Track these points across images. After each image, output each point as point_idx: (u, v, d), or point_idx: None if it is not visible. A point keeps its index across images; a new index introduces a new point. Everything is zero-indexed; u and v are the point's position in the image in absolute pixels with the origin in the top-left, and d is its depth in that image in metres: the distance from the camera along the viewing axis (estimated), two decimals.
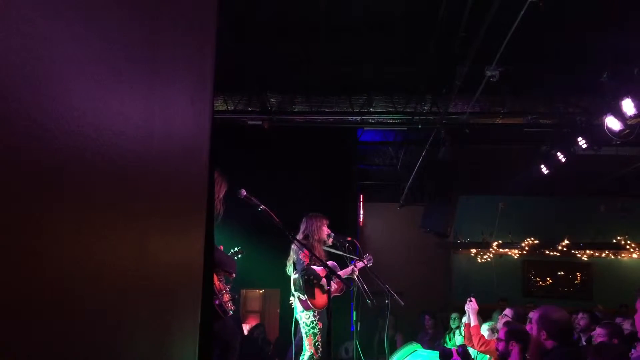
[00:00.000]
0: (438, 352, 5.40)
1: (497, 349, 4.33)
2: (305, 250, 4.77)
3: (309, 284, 4.85)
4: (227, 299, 3.84)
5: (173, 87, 1.51)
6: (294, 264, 5.01)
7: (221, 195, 3.93)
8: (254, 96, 7.51)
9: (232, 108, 7.53)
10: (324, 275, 4.81)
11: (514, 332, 4.11)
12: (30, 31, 0.86)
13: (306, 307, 4.87)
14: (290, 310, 5.14)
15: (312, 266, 4.90)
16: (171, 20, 1.49)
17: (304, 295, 4.83)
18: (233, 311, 3.93)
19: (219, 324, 3.81)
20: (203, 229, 1.86)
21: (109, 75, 1.12)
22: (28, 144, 0.85)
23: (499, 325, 5.33)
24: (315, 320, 4.89)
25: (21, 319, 0.86)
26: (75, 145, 0.98)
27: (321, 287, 4.89)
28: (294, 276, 4.95)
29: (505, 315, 5.37)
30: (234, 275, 4.07)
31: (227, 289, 3.93)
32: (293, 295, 5.01)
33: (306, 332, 4.91)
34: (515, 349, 4.05)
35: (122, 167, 1.19)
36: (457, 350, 4.83)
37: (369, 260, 5.26)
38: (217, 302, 3.72)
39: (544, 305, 3.98)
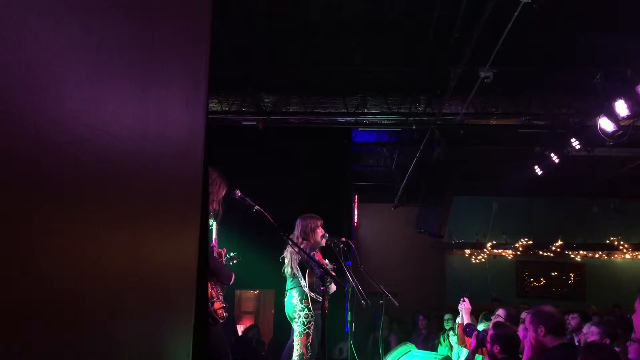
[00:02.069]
0: (432, 352, 5.40)
1: (486, 349, 4.35)
2: (318, 253, 4.76)
3: (324, 283, 4.82)
4: (218, 307, 3.82)
5: (167, 87, 1.50)
6: (300, 265, 4.96)
7: (221, 196, 3.92)
8: (248, 97, 7.50)
9: (227, 108, 7.52)
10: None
11: (498, 336, 4.11)
12: (25, 32, 0.85)
13: (317, 308, 4.84)
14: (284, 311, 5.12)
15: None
16: (165, 20, 1.49)
17: (320, 295, 4.80)
18: (224, 319, 3.91)
19: (209, 333, 3.78)
20: (197, 231, 1.86)
21: (103, 76, 1.12)
22: (22, 145, 0.85)
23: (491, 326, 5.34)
24: (311, 321, 4.89)
25: (14, 319, 0.86)
26: (70, 146, 0.98)
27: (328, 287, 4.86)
28: (309, 278, 4.89)
29: (498, 315, 5.38)
30: (229, 284, 4.06)
31: (220, 296, 3.91)
32: (293, 295, 4.98)
33: (300, 332, 4.90)
34: (499, 351, 4.05)
35: (116, 168, 1.19)
36: (477, 333, 4.78)
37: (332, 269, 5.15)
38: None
39: (537, 305, 4.00)
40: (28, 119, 0.86)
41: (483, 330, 4.82)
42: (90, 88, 1.06)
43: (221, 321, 3.87)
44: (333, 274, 4.84)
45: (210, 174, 3.77)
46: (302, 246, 4.80)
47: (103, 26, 1.11)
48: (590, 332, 4.84)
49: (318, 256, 4.87)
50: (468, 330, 5.04)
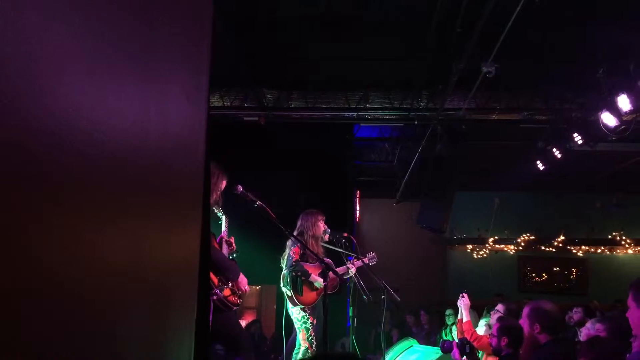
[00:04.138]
0: (433, 347, 5.40)
1: (490, 345, 4.35)
2: (296, 247, 4.80)
3: (296, 281, 4.89)
4: (228, 293, 3.84)
5: (169, 82, 1.50)
6: (286, 261, 5.04)
7: (220, 187, 3.94)
8: (250, 92, 7.50)
9: (229, 104, 7.51)
10: (318, 272, 4.81)
11: (506, 328, 4.12)
12: (26, 26, 0.85)
13: (293, 303, 4.92)
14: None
15: (303, 262, 4.93)
16: (167, 15, 1.49)
17: (290, 291, 4.88)
18: (238, 305, 3.93)
19: (222, 319, 3.79)
20: (199, 225, 1.86)
21: (105, 71, 1.12)
22: (24, 138, 0.85)
23: (492, 320, 5.34)
24: (306, 315, 4.92)
25: (16, 316, 0.86)
26: (71, 140, 0.98)
27: (309, 284, 4.91)
28: (283, 272, 4.99)
29: (497, 310, 5.39)
30: (240, 284, 4.02)
31: (230, 283, 3.93)
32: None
33: (299, 327, 4.95)
34: (506, 344, 4.05)
35: (118, 162, 1.19)
36: (456, 343, 4.81)
37: (372, 259, 5.27)
38: (214, 297, 3.71)
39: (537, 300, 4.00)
40: (29, 112, 0.87)
41: (461, 338, 4.85)
42: (91, 82, 1.06)
43: (235, 308, 3.89)
44: (302, 268, 4.88)
45: None
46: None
47: (104, 20, 1.11)
48: (596, 329, 4.82)
49: (295, 249, 4.91)
50: (446, 346, 5.05)
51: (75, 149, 1.00)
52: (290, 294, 4.88)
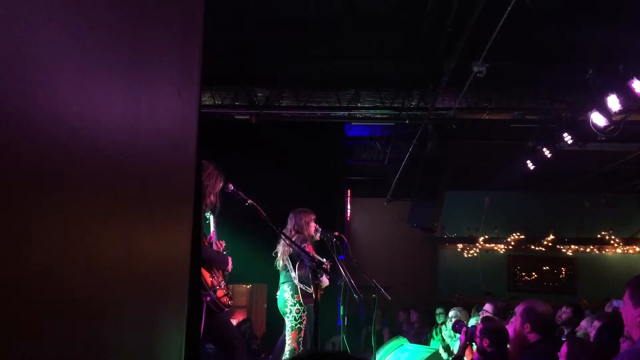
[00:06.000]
0: (423, 346, 5.40)
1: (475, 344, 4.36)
2: (309, 244, 4.77)
3: (316, 276, 4.82)
4: (221, 295, 3.83)
5: (159, 78, 1.49)
6: (290, 257, 4.97)
7: (217, 189, 3.91)
8: (241, 91, 7.47)
9: (220, 102, 7.48)
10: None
11: (487, 330, 4.13)
12: (14, 19, 0.84)
13: (309, 300, 4.82)
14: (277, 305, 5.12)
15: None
16: (158, 12, 1.48)
17: (311, 287, 4.78)
18: (230, 306, 3.92)
19: (215, 320, 3.78)
20: (190, 223, 1.85)
21: (95, 65, 1.11)
22: (10, 133, 0.84)
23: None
24: (303, 316, 4.89)
25: (6, 314, 0.85)
26: (59, 135, 0.97)
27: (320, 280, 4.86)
28: (299, 270, 4.90)
29: (485, 310, 5.38)
30: (228, 269, 4.05)
31: (222, 284, 3.92)
32: (285, 289, 4.98)
33: (292, 327, 4.89)
34: (488, 345, 4.06)
35: (108, 159, 1.18)
36: (465, 329, 4.79)
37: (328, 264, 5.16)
38: (208, 298, 3.69)
39: (529, 299, 4.01)
40: (17, 107, 0.85)
41: (472, 326, 4.82)
42: (80, 77, 1.05)
43: (226, 309, 3.88)
44: (326, 266, 4.84)
45: (206, 166, 3.78)
46: (293, 239, 4.80)
47: (94, 16, 1.10)
48: (592, 327, 4.84)
49: (309, 248, 4.88)
50: (457, 326, 5.05)
51: (63, 145, 0.99)
52: (310, 291, 4.79)
